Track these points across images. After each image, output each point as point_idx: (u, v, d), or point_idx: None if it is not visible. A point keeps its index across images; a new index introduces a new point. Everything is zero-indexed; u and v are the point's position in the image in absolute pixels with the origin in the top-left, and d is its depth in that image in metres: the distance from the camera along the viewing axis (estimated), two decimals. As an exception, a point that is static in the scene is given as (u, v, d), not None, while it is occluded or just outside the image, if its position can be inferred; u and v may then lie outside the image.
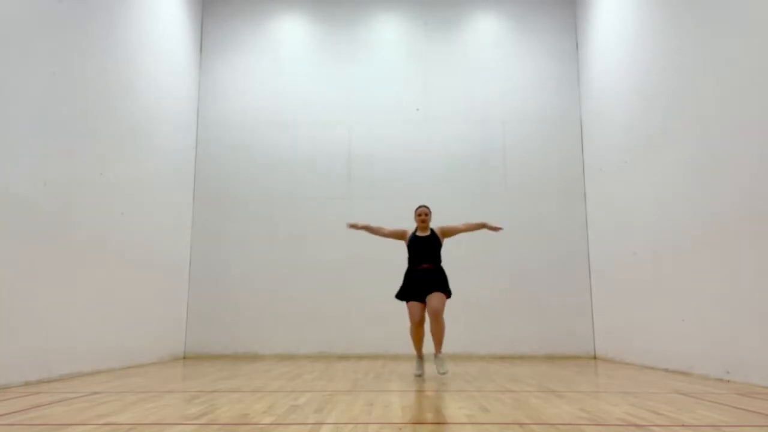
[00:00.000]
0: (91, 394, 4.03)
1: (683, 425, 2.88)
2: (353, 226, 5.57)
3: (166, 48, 7.51)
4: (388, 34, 8.84)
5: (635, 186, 6.64)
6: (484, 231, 8.18)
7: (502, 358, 7.64)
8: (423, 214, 5.39)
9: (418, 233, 5.35)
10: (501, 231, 5.64)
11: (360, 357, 7.45)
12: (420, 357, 5.37)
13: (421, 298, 5.17)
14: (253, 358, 7.66)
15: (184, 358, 7.81)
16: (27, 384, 4.57)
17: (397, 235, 5.52)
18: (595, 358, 7.73)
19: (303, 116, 8.55)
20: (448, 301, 7.90)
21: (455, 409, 3.37)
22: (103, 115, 5.92)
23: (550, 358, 7.62)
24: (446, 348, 7.84)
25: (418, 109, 8.56)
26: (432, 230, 5.37)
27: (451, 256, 8.26)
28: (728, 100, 4.94)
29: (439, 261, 5.31)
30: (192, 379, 5.17)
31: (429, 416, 3.13)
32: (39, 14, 4.92)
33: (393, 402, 3.69)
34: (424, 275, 5.18)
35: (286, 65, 8.72)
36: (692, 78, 5.50)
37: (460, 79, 8.63)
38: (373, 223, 5.58)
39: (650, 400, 3.73)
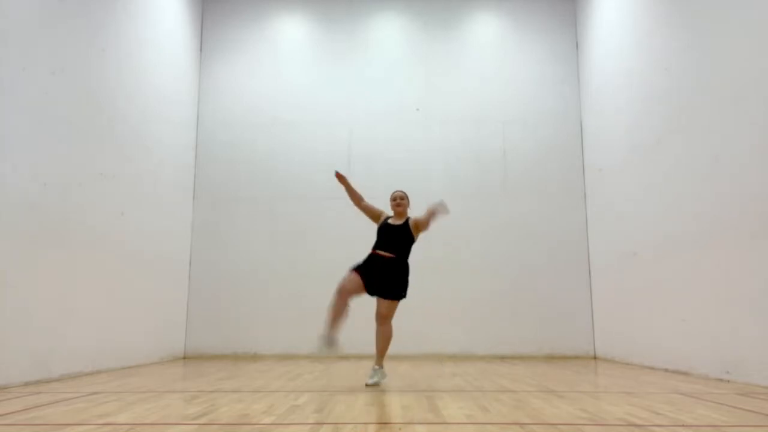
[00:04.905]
0: (91, 394, 4.03)
1: (683, 425, 2.88)
2: (340, 177, 5.02)
3: (166, 48, 7.51)
4: (388, 34, 8.84)
5: (635, 186, 6.64)
6: (485, 229, 8.26)
7: (502, 358, 7.64)
8: (398, 199, 4.88)
9: (391, 220, 4.87)
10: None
11: (360, 357, 7.45)
12: (331, 334, 4.52)
13: (367, 281, 4.63)
14: (253, 358, 7.66)
15: (184, 358, 7.81)
16: (27, 384, 4.57)
17: (372, 215, 5.01)
18: (595, 358, 7.73)
19: (303, 116, 8.55)
20: (445, 300, 7.96)
21: (455, 409, 3.37)
22: (103, 115, 5.92)
23: (550, 358, 7.61)
24: (446, 348, 7.93)
25: (418, 109, 8.56)
26: (407, 220, 4.84)
27: (451, 256, 8.32)
28: (729, 100, 4.94)
29: (405, 254, 4.76)
30: (192, 379, 5.17)
31: (429, 416, 3.13)
32: (39, 14, 4.92)
33: (393, 402, 3.69)
34: (381, 265, 4.66)
35: (286, 65, 8.72)
36: (693, 78, 5.50)
37: (460, 79, 8.63)
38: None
39: (650, 400, 3.73)
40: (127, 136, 6.41)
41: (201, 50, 8.70)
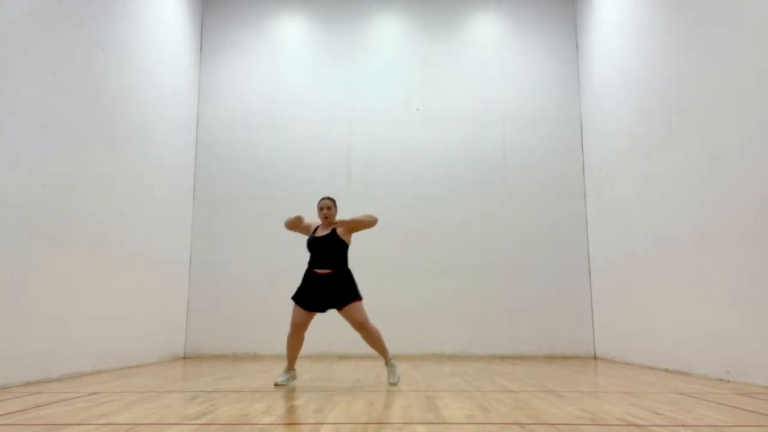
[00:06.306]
0: (91, 394, 4.03)
1: (683, 425, 2.88)
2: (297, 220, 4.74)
3: (166, 48, 7.51)
4: (388, 34, 8.84)
5: (635, 186, 6.64)
6: (485, 229, 8.26)
7: (502, 358, 7.64)
8: (325, 208, 4.68)
9: (318, 232, 4.70)
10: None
11: (360, 357, 7.46)
12: (290, 368, 4.69)
13: (312, 308, 4.57)
14: (253, 358, 7.66)
15: (184, 358, 7.81)
16: (27, 384, 4.57)
17: (304, 230, 4.80)
18: (595, 358, 7.73)
19: (303, 116, 8.55)
20: (445, 300, 7.96)
21: (455, 409, 3.37)
22: (103, 115, 5.92)
23: (550, 358, 7.61)
24: (446, 348, 7.94)
25: (418, 109, 8.56)
26: (334, 228, 4.67)
27: (450, 256, 8.32)
28: (729, 100, 4.93)
29: (342, 263, 4.63)
30: (192, 379, 5.17)
31: (429, 416, 3.13)
32: (39, 14, 4.92)
33: (393, 402, 3.69)
34: (322, 284, 4.54)
35: (286, 65, 8.73)
36: (693, 78, 5.50)
37: (460, 78, 8.64)
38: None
39: (650, 400, 3.73)
40: (127, 136, 6.41)
41: (201, 50, 8.70)
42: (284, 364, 6.61)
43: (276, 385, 4.53)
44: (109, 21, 6.08)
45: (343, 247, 4.65)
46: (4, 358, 4.36)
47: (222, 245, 8.24)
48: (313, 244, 4.64)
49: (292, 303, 4.72)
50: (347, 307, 4.53)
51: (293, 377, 4.73)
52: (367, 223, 4.72)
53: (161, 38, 7.35)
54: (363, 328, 4.58)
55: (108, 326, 5.88)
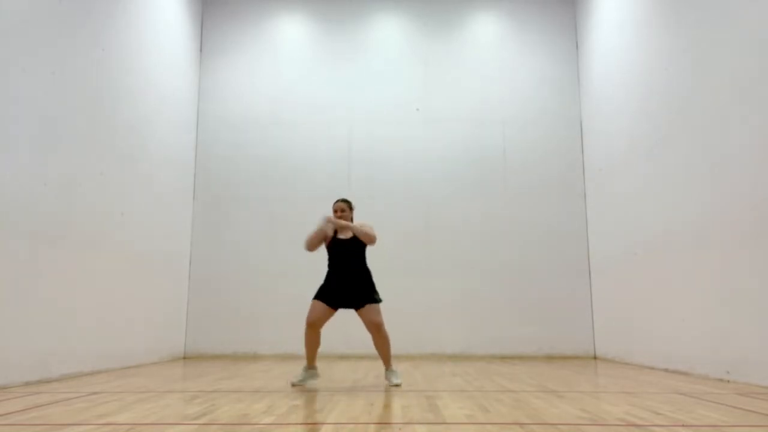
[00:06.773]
0: (91, 394, 4.03)
1: (683, 425, 2.88)
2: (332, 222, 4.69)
3: (166, 48, 7.51)
4: (389, 34, 8.84)
5: (635, 186, 6.64)
6: (485, 229, 8.26)
7: (502, 358, 7.64)
8: (339, 211, 4.72)
9: (339, 234, 4.71)
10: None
11: (360, 357, 7.46)
12: (310, 366, 4.66)
13: (333, 304, 4.56)
14: (253, 358, 7.66)
15: (184, 358, 7.81)
16: (27, 384, 4.57)
17: (327, 240, 4.76)
18: (595, 358, 7.73)
19: (303, 116, 8.55)
20: (445, 300, 7.97)
21: (455, 409, 3.37)
22: (103, 115, 5.92)
23: (550, 358, 7.61)
24: (446, 348, 7.95)
25: (418, 109, 8.56)
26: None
27: (450, 256, 8.32)
28: (728, 100, 4.94)
29: (363, 262, 4.69)
30: (192, 379, 5.17)
31: (429, 416, 3.13)
32: (39, 14, 4.92)
33: (393, 402, 3.69)
34: (348, 281, 4.58)
35: (286, 65, 8.73)
36: (692, 78, 5.50)
37: (460, 79, 8.64)
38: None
39: (650, 400, 3.73)
40: (127, 136, 6.40)
41: (201, 50, 8.70)
42: (284, 364, 6.62)
43: (293, 385, 4.52)
44: (109, 21, 6.08)
45: (363, 247, 4.70)
46: (4, 358, 4.36)
47: (222, 245, 8.24)
48: (337, 246, 4.68)
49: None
50: (367, 307, 4.53)
51: (313, 376, 4.66)
52: (365, 235, 4.65)
53: (161, 38, 7.35)
54: (379, 330, 4.57)
55: (108, 326, 5.88)
